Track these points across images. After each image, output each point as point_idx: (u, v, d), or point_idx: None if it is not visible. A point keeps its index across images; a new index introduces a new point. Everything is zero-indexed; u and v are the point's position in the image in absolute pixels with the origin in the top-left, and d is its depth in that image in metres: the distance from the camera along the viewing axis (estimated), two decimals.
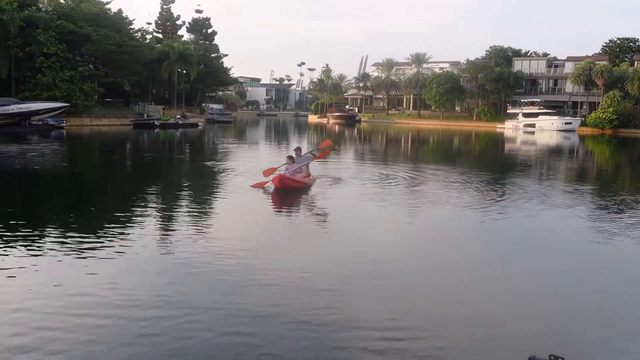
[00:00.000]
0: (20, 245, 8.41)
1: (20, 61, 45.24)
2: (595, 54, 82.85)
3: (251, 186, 14.42)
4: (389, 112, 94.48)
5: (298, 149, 16.00)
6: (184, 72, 68.31)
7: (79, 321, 5.61)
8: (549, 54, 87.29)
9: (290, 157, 15.09)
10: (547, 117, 68.65)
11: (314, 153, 16.65)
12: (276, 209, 12.96)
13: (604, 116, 65.07)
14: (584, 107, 74.62)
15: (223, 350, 5.05)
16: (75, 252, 8.10)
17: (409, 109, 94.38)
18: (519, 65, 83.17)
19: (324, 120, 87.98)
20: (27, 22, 44.68)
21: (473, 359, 5.01)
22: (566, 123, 66.86)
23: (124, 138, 40.14)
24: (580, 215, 12.61)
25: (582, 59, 74.32)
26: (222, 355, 4.98)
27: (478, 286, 7.26)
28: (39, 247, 8.38)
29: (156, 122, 51.80)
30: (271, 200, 13.37)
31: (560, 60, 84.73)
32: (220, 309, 6.02)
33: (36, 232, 9.45)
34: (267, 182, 14.34)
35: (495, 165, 27.04)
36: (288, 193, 13.73)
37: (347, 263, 8.06)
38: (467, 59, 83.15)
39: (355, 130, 65.39)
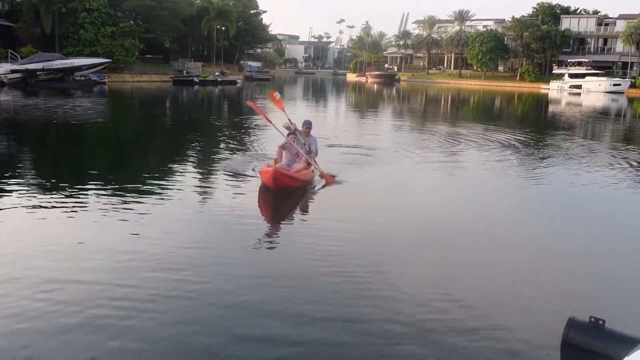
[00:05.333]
0: (55, 199, 8.69)
1: (63, 17, 45.96)
2: None
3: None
4: (429, 71, 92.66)
5: (308, 125, 10.79)
6: (223, 28, 68.18)
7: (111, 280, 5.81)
8: (599, 12, 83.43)
9: (293, 135, 10.24)
10: (595, 78, 66.22)
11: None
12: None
13: None
14: (635, 68, 71.70)
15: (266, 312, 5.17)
16: (111, 209, 8.32)
17: (450, 68, 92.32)
18: (567, 23, 79.95)
19: (363, 79, 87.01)
20: None
21: (513, 320, 4.99)
22: (614, 84, 64.43)
23: (164, 94, 40.57)
24: (625, 179, 12.23)
25: (635, 17, 70.90)
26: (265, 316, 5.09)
27: (518, 248, 7.17)
28: (74, 201, 8.62)
29: (195, 79, 52.26)
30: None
31: (612, 18, 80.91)
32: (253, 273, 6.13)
33: (74, 186, 9.60)
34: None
35: (537, 128, 26.33)
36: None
37: (387, 231, 8.08)
38: (513, 17, 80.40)
39: (394, 90, 64.46)
